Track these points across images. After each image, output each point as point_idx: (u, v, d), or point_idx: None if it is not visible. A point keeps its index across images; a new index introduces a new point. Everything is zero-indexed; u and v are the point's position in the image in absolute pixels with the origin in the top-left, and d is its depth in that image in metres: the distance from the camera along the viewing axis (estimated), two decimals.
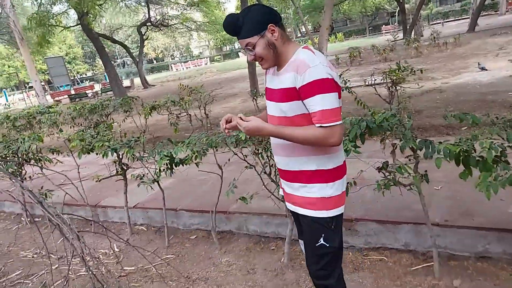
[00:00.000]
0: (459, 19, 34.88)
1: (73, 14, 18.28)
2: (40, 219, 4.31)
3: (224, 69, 29.19)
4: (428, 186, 2.54)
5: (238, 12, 1.59)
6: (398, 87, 5.11)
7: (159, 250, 3.22)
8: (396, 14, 36.40)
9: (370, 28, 41.75)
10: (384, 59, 13.38)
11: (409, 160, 2.25)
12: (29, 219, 4.27)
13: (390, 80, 5.06)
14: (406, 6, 25.05)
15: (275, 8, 1.91)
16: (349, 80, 5.05)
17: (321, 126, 1.44)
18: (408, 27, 21.31)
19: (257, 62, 1.65)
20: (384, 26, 38.37)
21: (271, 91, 1.63)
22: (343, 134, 1.52)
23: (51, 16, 15.58)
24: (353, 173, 2.69)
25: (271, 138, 1.71)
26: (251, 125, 1.51)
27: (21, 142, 3.94)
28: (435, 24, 33.32)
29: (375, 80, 5.62)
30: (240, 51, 47.54)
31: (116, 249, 3.36)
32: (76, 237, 1.75)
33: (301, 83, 1.44)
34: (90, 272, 1.88)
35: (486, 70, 8.31)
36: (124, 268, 2.97)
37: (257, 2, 2.03)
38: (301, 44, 1.59)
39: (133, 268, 2.96)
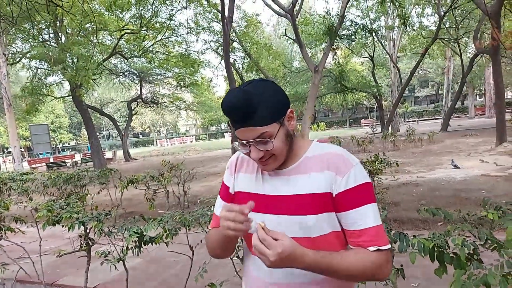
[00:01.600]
0: (433, 119, 37.45)
1: (66, 86, 18.86)
2: None
3: (208, 148, 29.68)
4: (405, 282, 2.46)
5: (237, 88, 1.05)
6: (375, 178, 5.23)
7: None
8: (375, 109, 38.95)
9: (350, 120, 44.15)
10: (363, 150, 13.91)
11: None
12: None
13: (367, 171, 5.20)
14: (384, 103, 26.95)
15: None
16: None
17: (378, 250, 1.01)
18: (385, 122, 22.66)
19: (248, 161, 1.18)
20: (363, 119, 40.69)
21: (271, 200, 1.09)
22: None
23: (44, 86, 16.04)
24: None
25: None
26: (286, 249, 0.90)
27: None
28: (410, 121, 35.58)
29: None
30: (228, 132, 48.91)
31: None
32: None
33: (344, 187, 1.02)
34: None
35: (459, 168, 8.68)
36: None
37: (269, 80, 1.01)
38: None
39: None
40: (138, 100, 25.75)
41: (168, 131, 65.26)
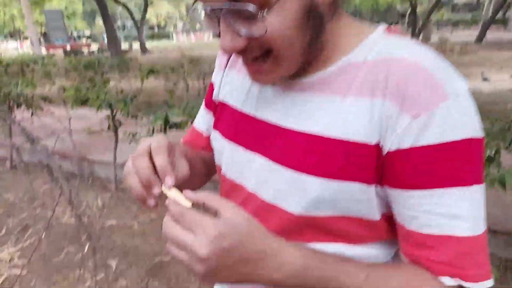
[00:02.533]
0: (469, 29, 34.93)
1: None
2: (22, 165, 4.27)
3: None
4: None
5: None
6: None
7: (142, 210, 3.24)
8: (407, 15, 36.25)
9: None
10: None
11: None
12: (14, 163, 4.23)
13: None
14: (418, 8, 24.94)
15: None
16: None
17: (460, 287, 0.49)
18: (417, 29, 21.26)
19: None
20: (393, 24, 38.22)
21: (258, 128, 0.61)
22: None
23: None
24: None
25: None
26: (234, 232, 0.44)
27: (14, 85, 3.87)
28: (445, 31, 33.31)
29: None
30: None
31: (100, 203, 3.37)
32: (66, 180, 1.74)
33: (415, 139, 0.47)
34: (77, 218, 1.89)
35: (489, 81, 8.40)
36: (107, 221, 2.98)
37: None
38: (365, 23, 0.59)
39: (115, 222, 2.97)
40: None
41: (184, 25, 62.82)
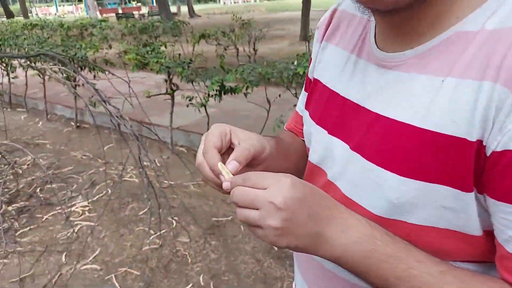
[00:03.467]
0: None
1: None
2: (88, 126, 4.56)
3: (274, 9, 28.09)
4: None
5: None
6: None
7: (197, 172, 3.38)
8: None
9: None
10: None
11: None
12: (78, 124, 4.53)
13: None
14: None
15: None
16: None
17: None
18: None
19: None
20: None
21: (343, 108, 0.55)
22: None
23: None
24: None
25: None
26: (295, 201, 0.42)
27: (78, 48, 4.06)
28: None
29: None
30: None
31: (158, 164, 3.55)
32: (136, 138, 1.85)
33: None
34: (144, 176, 2.01)
35: None
36: (165, 181, 3.15)
37: None
38: None
39: (173, 182, 3.14)
40: None
41: None
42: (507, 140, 0.36)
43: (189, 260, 2.25)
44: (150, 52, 3.47)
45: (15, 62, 4.90)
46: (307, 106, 0.65)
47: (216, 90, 3.11)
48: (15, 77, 5.03)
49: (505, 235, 0.40)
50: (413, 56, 0.45)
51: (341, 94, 0.55)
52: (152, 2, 31.16)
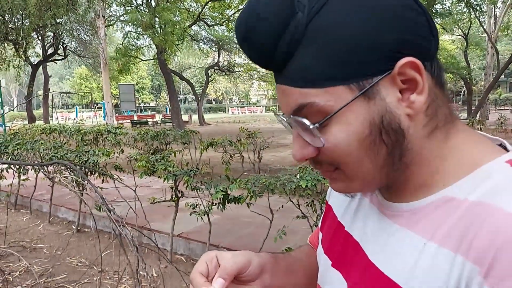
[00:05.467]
0: None
1: (152, 49, 20.05)
2: (88, 230, 4.51)
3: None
4: None
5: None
6: None
7: None
8: (462, 93, 35.74)
9: None
10: None
11: None
12: (79, 228, 4.49)
13: None
14: (473, 87, 24.61)
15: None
16: None
17: None
18: (473, 108, 20.75)
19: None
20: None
21: (345, 242, 0.57)
22: None
23: (135, 49, 17.27)
24: None
25: None
26: None
27: (91, 154, 4.26)
28: (503, 109, 32.14)
29: None
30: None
31: (154, 274, 3.40)
32: (136, 250, 1.83)
33: None
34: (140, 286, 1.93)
35: None
36: None
37: None
38: (490, 139, 0.48)
39: None
40: (215, 67, 26.54)
41: (239, 100, 66.73)
42: None
43: None
44: (159, 160, 3.62)
45: (28, 166, 5.09)
46: (321, 228, 0.67)
47: (220, 199, 3.15)
48: (26, 179, 5.17)
49: None
50: (407, 210, 0.47)
51: (345, 229, 0.58)
52: (166, 110, 33.49)
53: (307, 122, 0.43)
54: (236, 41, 0.47)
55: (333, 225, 0.62)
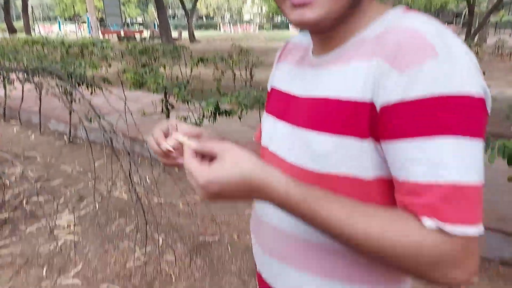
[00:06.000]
0: None
1: None
2: (80, 141, 4.56)
3: (272, 38, 28.76)
4: None
5: None
6: None
7: (188, 190, 3.37)
8: (463, 15, 34.35)
9: None
10: None
11: None
12: (71, 139, 4.53)
13: None
14: (476, 9, 23.54)
15: None
16: None
17: (440, 230, 0.49)
18: (472, 30, 20.12)
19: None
20: (447, 24, 36.30)
21: (287, 100, 0.71)
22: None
23: None
24: None
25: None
26: (215, 180, 0.51)
27: (77, 66, 4.12)
28: (503, 33, 31.27)
29: None
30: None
31: (148, 181, 3.53)
32: (127, 153, 1.86)
33: (403, 92, 0.51)
34: (134, 192, 2.01)
35: None
36: (154, 198, 3.14)
37: None
38: (388, 4, 0.66)
39: (162, 200, 3.12)
40: None
41: (232, 17, 63.40)
42: (388, 96, 0.51)
43: (173, 279, 2.21)
44: (148, 72, 3.53)
45: (12, 76, 4.93)
46: (266, 108, 0.80)
47: (211, 112, 3.16)
48: (12, 89, 5.06)
49: (394, 167, 0.53)
50: (333, 56, 0.63)
51: (285, 91, 0.73)
52: (155, 26, 31.82)
53: None
54: None
55: (275, 96, 0.76)
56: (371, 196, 0.58)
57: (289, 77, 0.74)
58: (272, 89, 0.80)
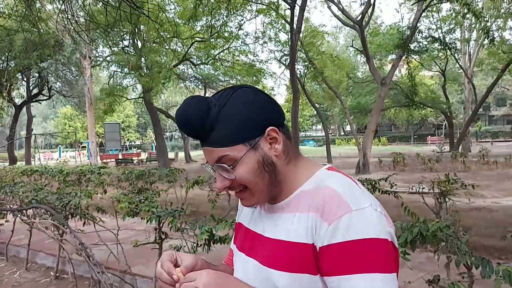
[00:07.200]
0: (509, 141, 34.42)
1: (138, 89, 20.23)
2: (67, 276, 4.30)
3: None
4: None
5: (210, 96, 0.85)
6: (447, 199, 4.96)
7: None
8: (443, 127, 36.72)
9: (415, 137, 42.02)
10: (429, 169, 13.18)
11: (463, 277, 2.12)
12: (58, 274, 4.28)
13: (439, 191, 4.95)
14: (454, 121, 25.34)
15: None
16: (395, 184, 5.00)
17: None
18: (455, 141, 21.26)
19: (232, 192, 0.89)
20: (429, 136, 38.52)
21: (253, 238, 0.89)
22: None
23: (121, 88, 17.38)
24: (399, 283, 2.53)
25: None
26: (209, 284, 0.73)
27: (73, 196, 4.14)
28: (483, 142, 33.01)
29: (423, 188, 5.51)
30: None
31: None
32: None
33: (329, 239, 0.72)
34: None
35: None
36: None
37: (248, 86, 0.87)
38: (319, 163, 0.90)
39: None
40: None
41: None
42: (321, 241, 0.72)
43: None
44: (143, 201, 3.54)
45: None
46: (235, 241, 0.99)
47: (205, 240, 3.07)
48: (4, 223, 4.98)
49: None
50: (282, 204, 0.85)
51: (251, 229, 0.91)
52: (152, 148, 33.26)
53: (225, 165, 0.80)
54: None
55: (244, 231, 0.94)
56: None
57: (253, 217, 0.93)
58: (239, 224, 0.99)
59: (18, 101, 22.53)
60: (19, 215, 3.56)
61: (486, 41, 14.31)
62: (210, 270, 0.77)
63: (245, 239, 0.91)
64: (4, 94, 15.90)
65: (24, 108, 23.03)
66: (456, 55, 21.73)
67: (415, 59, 20.48)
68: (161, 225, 3.49)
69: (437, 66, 23.21)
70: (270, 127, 0.81)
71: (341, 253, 0.69)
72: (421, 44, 16.78)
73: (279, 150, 0.82)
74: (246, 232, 0.92)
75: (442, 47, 17.20)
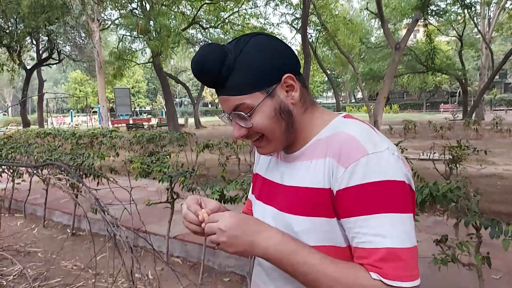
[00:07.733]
0: None
1: (147, 53, 20.01)
2: (83, 233, 4.47)
3: None
4: (486, 273, 2.35)
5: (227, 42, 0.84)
6: (458, 165, 4.93)
7: (190, 287, 3.18)
8: (457, 94, 35.91)
9: (427, 104, 41.27)
10: (441, 136, 13.03)
11: (471, 238, 2.13)
12: (74, 231, 4.44)
13: (450, 157, 4.91)
14: (468, 88, 24.72)
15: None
16: (406, 149, 4.98)
17: (381, 282, 0.70)
18: (469, 109, 20.85)
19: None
20: (442, 104, 37.78)
21: (270, 187, 0.91)
22: None
23: (130, 52, 17.19)
24: None
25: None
26: (231, 225, 0.76)
27: (86, 157, 4.22)
28: (498, 110, 32.32)
29: (434, 153, 5.47)
30: None
31: (150, 277, 3.36)
32: (130, 250, 1.80)
33: (346, 182, 0.74)
34: None
35: None
36: None
37: (264, 33, 0.85)
38: (335, 112, 0.90)
39: None
40: None
41: None
42: (338, 184, 0.74)
43: None
44: (154, 162, 3.59)
45: (21, 168, 5.04)
46: (253, 191, 1.02)
47: (216, 199, 3.13)
48: (21, 182, 5.12)
49: (350, 237, 0.75)
50: (298, 153, 0.86)
51: (268, 179, 0.93)
52: (162, 114, 33.38)
53: (242, 113, 0.80)
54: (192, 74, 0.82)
55: (261, 181, 0.97)
56: (346, 256, 0.77)
57: (270, 167, 0.95)
58: (256, 174, 1.01)
59: (28, 64, 22.53)
60: (34, 172, 3.64)
61: (508, 3, 13.64)
62: (233, 212, 0.81)
63: (263, 188, 0.94)
64: (14, 57, 15.88)
65: (35, 73, 23.08)
66: (475, 19, 20.85)
67: (431, 24, 19.74)
68: (172, 185, 3.56)
69: (454, 31, 22.36)
70: (287, 74, 0.79)
71: (358, 195, 0.72)
72: (439, 6, 16.07)
73: (296, 98, 0.82)
74: (263, 182, 0.95)
75: (462, 9, 16.46)
